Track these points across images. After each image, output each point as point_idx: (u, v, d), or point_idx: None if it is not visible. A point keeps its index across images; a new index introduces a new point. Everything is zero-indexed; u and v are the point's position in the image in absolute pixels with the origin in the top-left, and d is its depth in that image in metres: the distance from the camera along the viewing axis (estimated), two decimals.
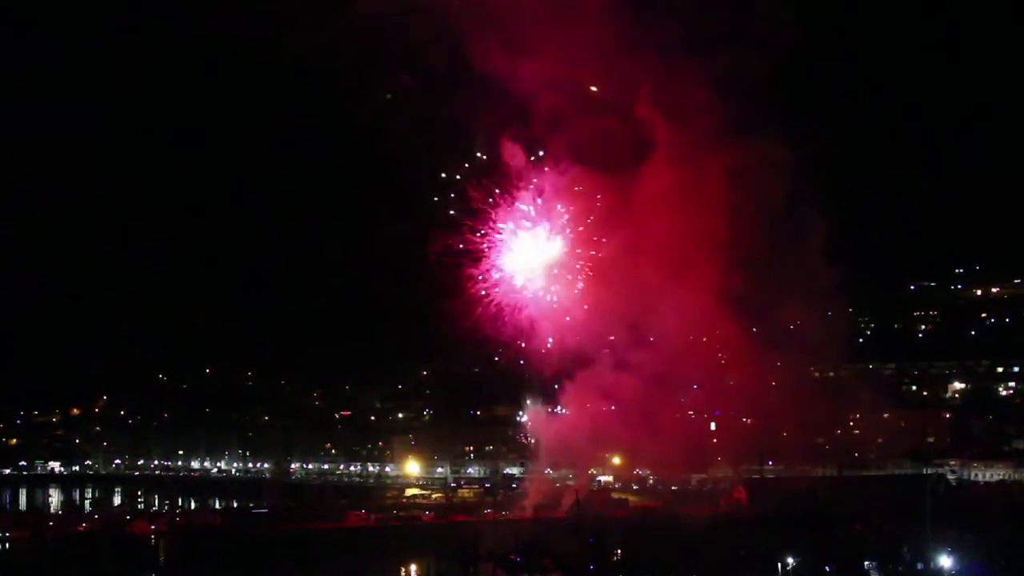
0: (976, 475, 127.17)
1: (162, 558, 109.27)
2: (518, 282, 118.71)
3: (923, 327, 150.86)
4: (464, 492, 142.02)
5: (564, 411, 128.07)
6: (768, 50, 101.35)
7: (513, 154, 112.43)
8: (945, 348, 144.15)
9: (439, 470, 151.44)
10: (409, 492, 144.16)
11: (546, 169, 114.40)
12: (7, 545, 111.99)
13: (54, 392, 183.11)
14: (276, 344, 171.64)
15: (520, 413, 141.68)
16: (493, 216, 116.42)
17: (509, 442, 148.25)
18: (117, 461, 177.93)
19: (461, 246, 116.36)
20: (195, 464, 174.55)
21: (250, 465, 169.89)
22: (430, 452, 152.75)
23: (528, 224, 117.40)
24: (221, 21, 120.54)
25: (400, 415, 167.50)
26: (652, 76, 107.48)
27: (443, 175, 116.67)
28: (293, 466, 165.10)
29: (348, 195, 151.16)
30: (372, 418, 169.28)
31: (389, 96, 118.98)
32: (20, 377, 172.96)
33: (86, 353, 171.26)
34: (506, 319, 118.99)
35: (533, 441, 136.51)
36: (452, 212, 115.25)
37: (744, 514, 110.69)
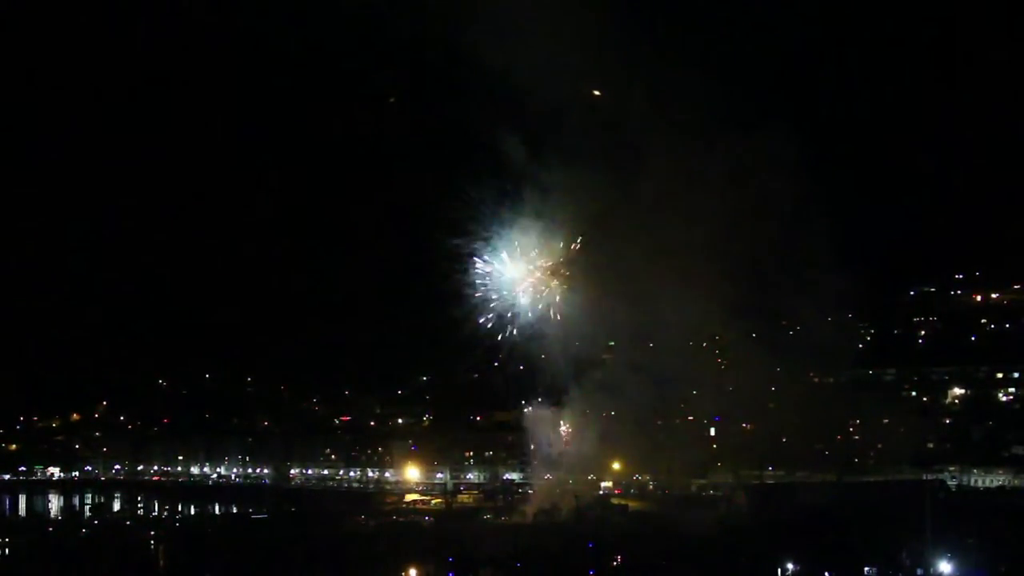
0: (976, 481, 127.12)
1: (162, 563, 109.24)
2: (519, 286, 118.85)
3: (923, 333, 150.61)
4: (464, 497, 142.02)
5: (564, 416, 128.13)
6: (771, 48, 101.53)
7: (515, 155, 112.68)
8: (945, 354, 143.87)
9: (439, 475, 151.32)
10: (409, 497, 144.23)
11: (548, 170, 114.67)
12: (7, 551, 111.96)
13: (54, 397, 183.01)
14: (276, 349, 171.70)
15: (520, 418, 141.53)
16: (495, 218, 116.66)
17: (509, 448, 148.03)
18: (117, 466, 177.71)
19: (462, 249, 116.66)
20: (195, 470, 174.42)
21: (250, 471, 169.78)
22: (430, 457, 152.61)
23: (530, 226, 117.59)
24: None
25: (400, 420, 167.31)
26: (652, 73, 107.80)
27: (443, 178, 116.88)
28: (293, 472, 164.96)
29: (348, 198, 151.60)
30: (372, 423, 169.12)
31: (392, 100, 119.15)
32: (20, 382, 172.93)
33: (86, 358, 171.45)
34: (507, 323, 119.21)
35: (533, 447, 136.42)
36: (453, 215, 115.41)
37: (744, 520, 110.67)
